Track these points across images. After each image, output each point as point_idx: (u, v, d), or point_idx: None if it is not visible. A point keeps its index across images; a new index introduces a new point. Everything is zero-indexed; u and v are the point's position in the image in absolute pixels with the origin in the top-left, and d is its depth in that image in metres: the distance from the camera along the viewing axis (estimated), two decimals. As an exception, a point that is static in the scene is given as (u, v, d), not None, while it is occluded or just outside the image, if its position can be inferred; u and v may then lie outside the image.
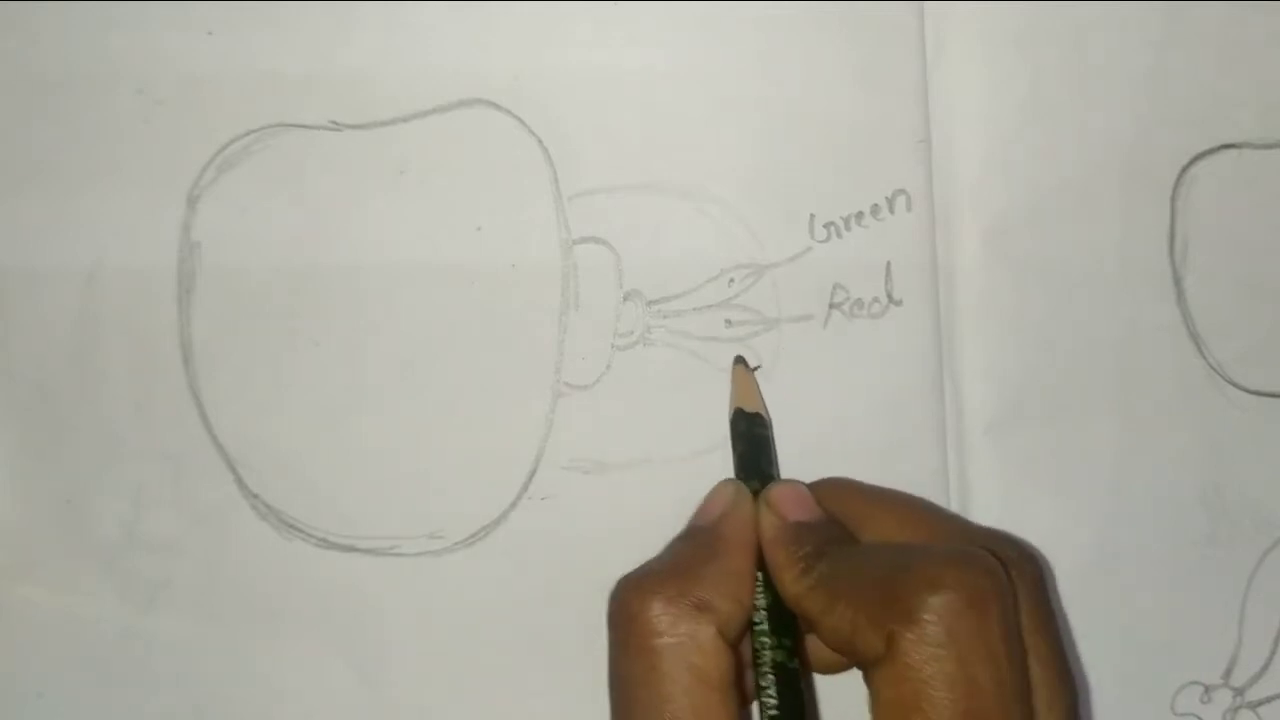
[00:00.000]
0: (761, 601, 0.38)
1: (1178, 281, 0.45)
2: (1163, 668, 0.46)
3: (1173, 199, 0.45)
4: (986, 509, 0.44)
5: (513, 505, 0.43)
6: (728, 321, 0.44)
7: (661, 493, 0.43)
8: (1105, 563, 0.45)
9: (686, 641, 0.36)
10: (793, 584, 0.37)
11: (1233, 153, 0.45)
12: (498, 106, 0.43)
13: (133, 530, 0.43)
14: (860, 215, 0.44)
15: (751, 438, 0.42)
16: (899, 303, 0.44)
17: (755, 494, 0.40)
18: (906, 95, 0.44)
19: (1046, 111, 0.44)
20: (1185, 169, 0.45)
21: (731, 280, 0.44)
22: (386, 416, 0.43)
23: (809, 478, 0.42)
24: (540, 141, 0.43)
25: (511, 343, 0.43)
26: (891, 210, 0.44)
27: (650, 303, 0.43)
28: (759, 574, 0.39)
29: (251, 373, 0.43)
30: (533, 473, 0.43)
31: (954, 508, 0.44)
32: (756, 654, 0.38)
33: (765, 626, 0.38)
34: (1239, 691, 0.46)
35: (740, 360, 0.43)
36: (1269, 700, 0.47)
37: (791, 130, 0.43)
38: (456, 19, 0.43)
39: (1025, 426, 0.44)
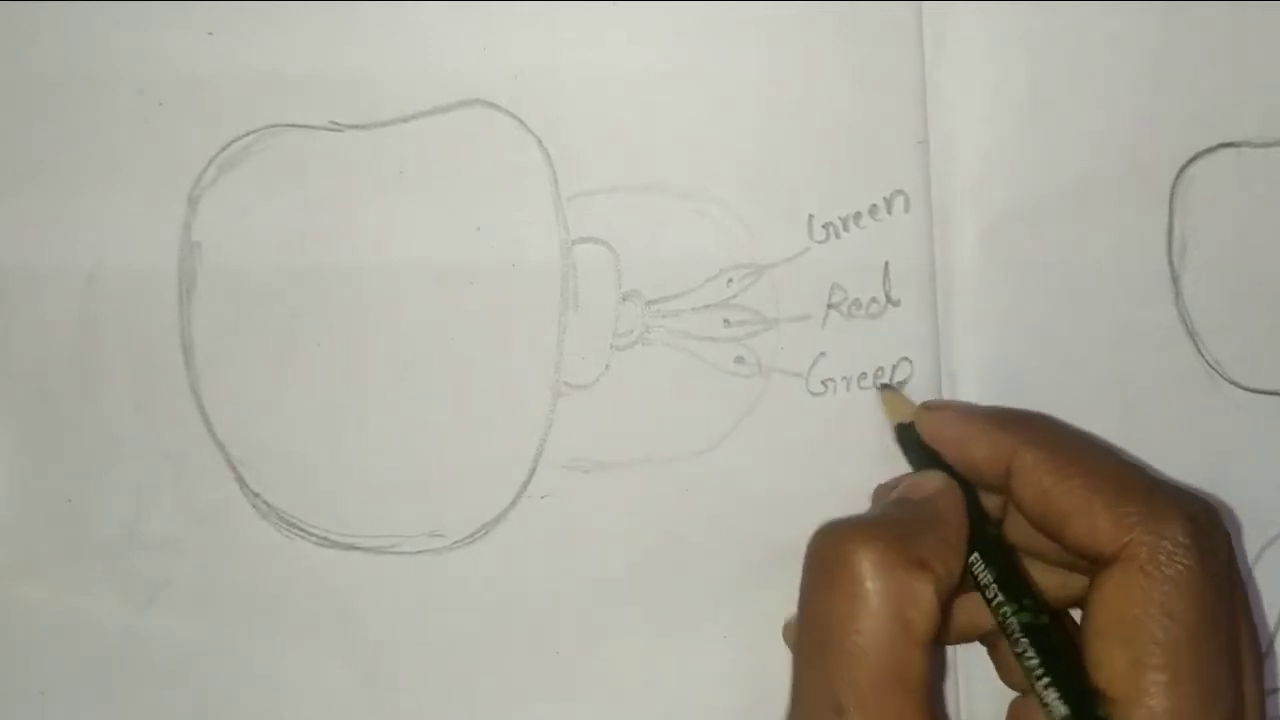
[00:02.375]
0: (988, 575, 0.39)
1: (1176, 280, 0.45)
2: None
3: (1171, 198, 0.45)
4: (985, 508, 0.44)
5: (513, 505, 0.43)
6: (726, 321, 0.44)
7: (661, 493, 0.43)
8: (1103, 561, 0.45)
9: (903, 593, 0.36)
10: (1050, 483, 0.38)
11: (1231, 152, 0.45)
12: (498, 106, 0.43)
13: (133, 529, 0.43)
14: (859, 215, 0.44)
15: (924, 445, 0.42)
16: (897, 303, 0.44)
17: None
18: (905, 95, 0.44)
19: (1045, 111, 0.44)
20: (1184, 168, 0.45)
21: (730, 280, 0.44)
22: (387, 416, 0.43)
23: (809, 478, 0.42)
24: (540, 141, 0.43)
25: (511, 343, 0.43)
26: (890, 211, 0.44)
27: (649, 303, 0.43)
28: (977, 552, 0.39)
29: (252, 372, 0.43)
30: (533, 472, 0.43)
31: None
32: (1003, 625, 0.38)
33: (997, 595, 0.38)
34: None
35: (886, 386, 0.44)
36: (1267, 694, 0.47)
37: (791, 130, 0.43)
38: (456, 19, 0.43)
39: (1023, 427, 0.44)
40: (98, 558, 0.43)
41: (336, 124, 0.43)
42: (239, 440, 0.43)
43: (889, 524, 0.38)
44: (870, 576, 0.36)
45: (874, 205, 0.44)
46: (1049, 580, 0.41)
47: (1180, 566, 0.35)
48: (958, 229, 0.44)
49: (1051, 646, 0.37)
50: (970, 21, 0.44)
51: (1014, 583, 0.38)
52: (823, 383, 0.44)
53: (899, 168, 0.44)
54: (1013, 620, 0.38)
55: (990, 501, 0.41)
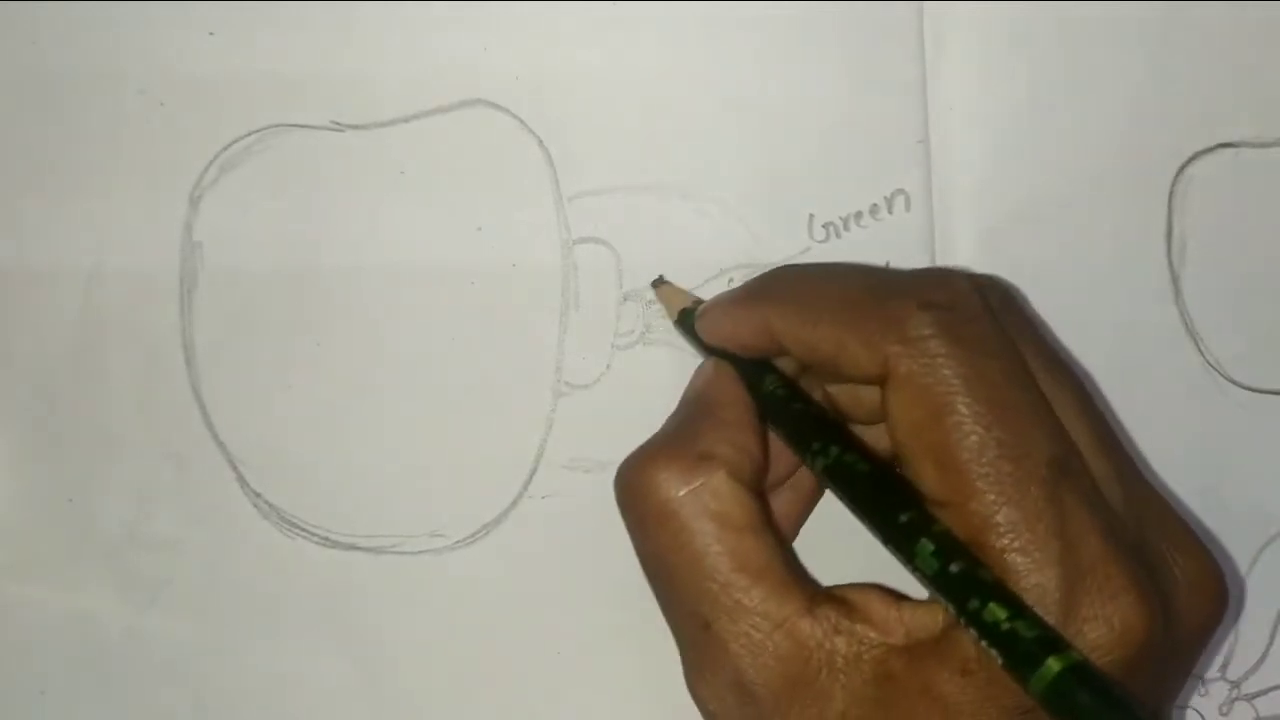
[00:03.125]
0: (781, 435, 0.39)
1: (1175, 280, 0.45)
2: (1160, 664, 0.46)
3: (1170, 198, 0.45)
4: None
5: (513, 504, 0.43)
6: (727, 321, 0.44)
7: (662, 492, 0.43)
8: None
9: (701, 491, 0.36)
10: (799, 328, 0.37)
11: (1230, 152, 0.45)
12: (498, 106, 0.43)
13: (134, 529, 0.43)
14: (859, 215, 0.44)
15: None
16: (898, 303, 0.44)
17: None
18: (906, 95, 0.44)
19: (1045, 111, 0.44)
20: (1183, 168, 0.45)
21: (731, 280, 0.44)
22: (388, 416, 0.43)
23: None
24: (540, 141, 0.43)
25: (511, 343, 0.43)
26: (890, 210, 0.44)
27: (650, 302, 0.44)
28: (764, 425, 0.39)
29: (253, 372, 0.43)
30: (533, 472, 0.43)
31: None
32: (813, 468, 0.38)
33: (804, 442, 0.38)
34: (1235, 684, 0.47)
35: (657, 282, 0.43)
36: (1265, 692, 0.47)
37: (791, 130, 0.43)
38: (456, 19, 0.43)
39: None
40: (98, 558, 0.43)
41: (337, 124, 0.43)
42: (240, 440, 0.43)
43: (667, 436, 0.38)
44: (667, 494, 0.36)
45: (875, 205, 0.44)
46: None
47: (937, 357, 0.34)
48: (958, 229, 0.44)
49: (848, 479, 0.36)
50: (970, 21, 0.44)
51: (803, 432, 0.38)
52: (823, 382, 0.44)
53: (899, 167, 0.44)
54: (814, 468, 0.37)
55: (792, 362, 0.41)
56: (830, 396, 0.40)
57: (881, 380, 0.35)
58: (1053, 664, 0.32)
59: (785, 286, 0.39)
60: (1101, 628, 0.33)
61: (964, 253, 0.44)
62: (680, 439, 0.38)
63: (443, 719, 0.44)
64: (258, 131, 0.43)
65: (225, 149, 0.43)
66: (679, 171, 0.43)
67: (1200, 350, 0.46)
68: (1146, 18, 0.45)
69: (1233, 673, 0.46)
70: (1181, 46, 0.45)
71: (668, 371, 0.43)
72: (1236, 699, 0.47)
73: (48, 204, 0.42)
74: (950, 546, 0.34)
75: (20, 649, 0.43)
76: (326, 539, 0.43)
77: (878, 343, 0.35)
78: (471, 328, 0.43)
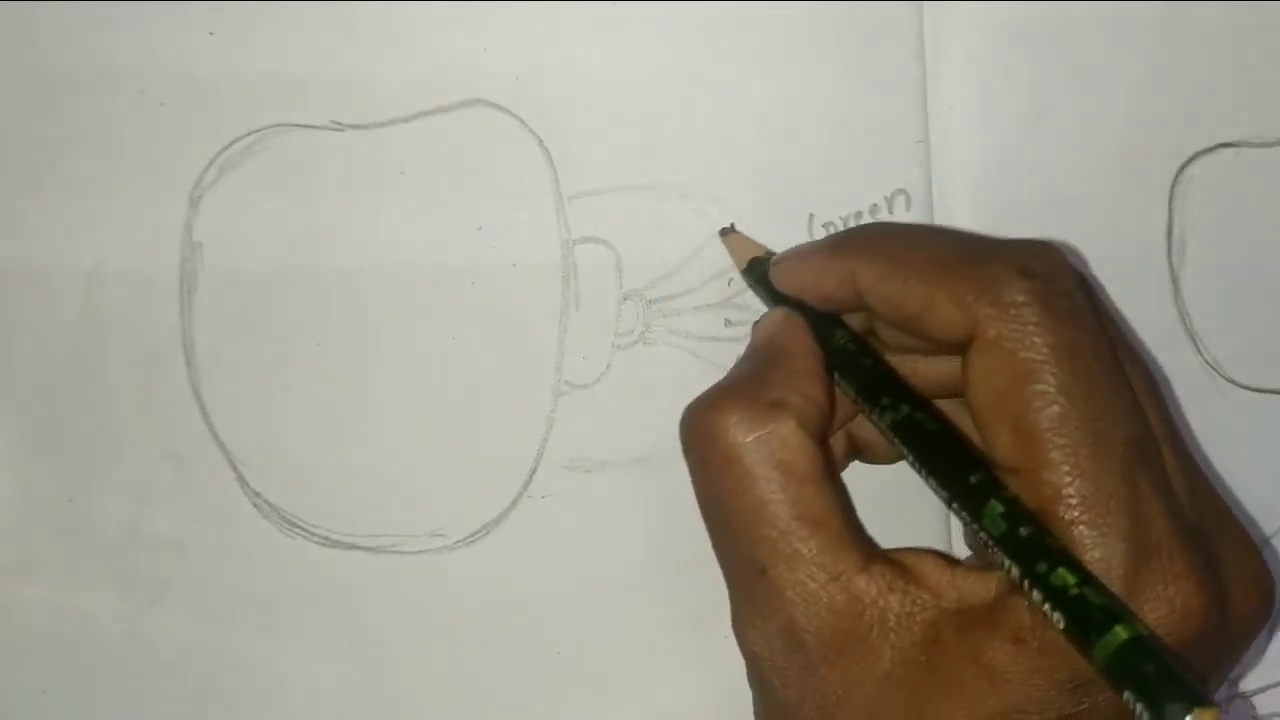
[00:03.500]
0: (850, 388, 0.39)
1: (1175, 280, 0.46)
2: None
3: (1170, 198, 0.45)
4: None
5: (513, 504, 0.43)
6: (728, 321, 0.44)
7: (661, 493, 0.43)
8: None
9: (769, 439, 0.36)
10: (888, 282, 0.37)
11: (1230, 151, 0.46)
12: (498, 106, 0.43)
13: (134, 529, 0.43)
14: (860, 215, 0.44)
15: (764, 276, 0.42)
16: (898, 303, 0.44)
17: None
18: (906, 95, 0.44)
19: (1045, 111, 0.44)
20: (1183, 168, 0.45)
21: (731, 280, 0.44)
22: (387, 416, 0.43)
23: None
24: (540, 141, 0.43)
25: (511, 343, 0.43)
26: (891, 210, 0.44)
27: (650, 302, 0.44)
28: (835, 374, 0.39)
29: (253, 372, 0.43)
30: (533, 472, 0.43)
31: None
32: (883, 431, 0.38)
33: (863, 404, 0.38)
34: (1233, 682, 0.47)
35: (726, 231, 0.43)
36: (1263, 690, 0.47)
37: (791, 130, 0.44)
38: (456, 19, 0.43)
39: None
40: (98, 558, 0.43)
41: (337, 124, 0.43)
42: (240, 440, 0.43)
43: (737, 381, 0.39)
44: (734, 439, 0.36)
45: (875, 204, 0.44)
46: (940, 372, 0.40)
47: (1030, 325, 0.34)
48: (959, 228, 0.44)
49: (919, 436, 0.37)
50: (970, 21, 0.44)
51: (873, 387, 0.38)
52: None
53: (900, 167, 0.44)
54: (882, 422, 0.38)
55: (860, 321, 0.41)
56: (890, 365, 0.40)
57: (964, 342, 0.36)
58: (1120, 632, 0.31)
59: (875, 240, 0.39)
60: (1163, 608, 0.33)
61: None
62: (751, 385, 0.38)
63: (442, 719, 0.44)
64: (258, 131, 0.42)
65: (225, 149, 0.42)
66: (679, 171, 0.43)
67: (1199, 350, 0.46)
68: (1146, 18, 0.45)
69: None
70: (1181, 46, 0.45)
71: (668, 371, 0.44)
72: (1234, 696, 0.47)
73: (48, 204, 0.42)
74: (1019, 510, 0.34)
75: (20, 649, 0.43)
76: (326, 539, 0.43)
77: (970, 303, 0.35)
78: (471, 328, 0.43)
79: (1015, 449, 0.35)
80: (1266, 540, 0.47)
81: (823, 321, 0.40)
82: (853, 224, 0.44)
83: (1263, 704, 0.47)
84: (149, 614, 0.43)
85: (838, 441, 0.42)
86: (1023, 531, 0.34)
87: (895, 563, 0.36)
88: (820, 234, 0.44)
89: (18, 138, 0.42)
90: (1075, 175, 0.45)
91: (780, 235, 0.43)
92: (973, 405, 0.36)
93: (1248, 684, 0.47)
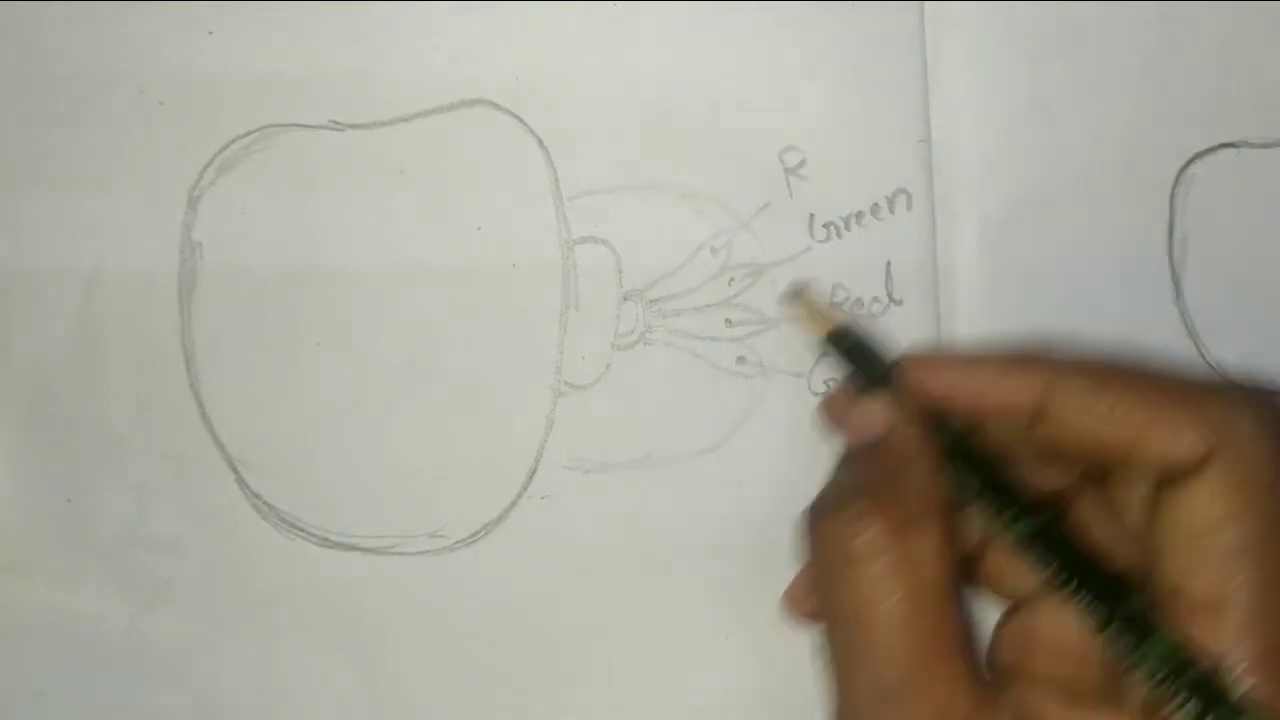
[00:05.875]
0: (973, 489, 0.37)
1: (1176, 280, 0.45)
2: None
3: (1172, 198, 0.45)
4: (986, 508, 0.44)
5: (513, 505, 0.43)
6: (728, 321, 0.44)
7: (661, 493, 0.43)
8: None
9: (909, 561, 0.35)
10: (1092, 413, 0.36)
11: (1232, 152, 0.45)
12: (498, 106, 0.43)
13: (134, 529, 0.43)
14: (860, 215, 0.44)
15: (855, 349, 0.41)
16: (899, 302, 0.44)
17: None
18: (906, 95, 0.44)
19: (1046, 111, 0.44)
20: (1184, 168, 0.45)
21: (731, 280, 0.44)
22: (387, 416, 0.43)
23: (810, 478, 0.42)
24: (540, 141, 0.43)
25: (511, 343, 0.43)
26: (891, 210, 0.44)
27: (650, 302, 0.43)
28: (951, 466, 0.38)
29: (253, 372, 0.43)
30: (533, 472, 0.43)
31: (953, 507, 0.44)
32: (1004, 535, 0.37)
33: (995, 506, 0.37)
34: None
35: (797, 292, 0.43)
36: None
37: (791, 130, 0.43)
38: (456, 19, 0.43)
39: (1024, 426, 0.44)
40: (98, 558, 0.43)
41: (337, 124, 0.43)
42: (239, 440, 0.43)
43: (869, 491, 0.37)
44: (873, 557, 0.35)
45: (875, 204, 0.44)
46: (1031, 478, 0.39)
47: (1264, 464, 0.34)
48: (959, 228, 0.44)
49: (1066, 547, 0.36)
50: (970, 21, 0.44)
51: (1003, 490, 0.37)
52: (825, 383, 0.44)
53: (900, 167, 0.44)
54: (1017, 528, 0.36)
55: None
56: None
57: (1181, 470, 0.35)
58: None
59: (1069, 356, 0.38)
60: None
61: (965, 252, 0.44)
62: (884, 495, 0.36)
63: (442, 719, 0.44)
64: (257, 131, 0.43)
65: (224, 149, 0.43)
66: (679, 171, 0.43)
67: (1200, 351, 0.45)
68: (1147, 18, 0.45)
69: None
70: (1182, 46, 0.45)
71: (668, 372, 0.43)
72: None
73: (47, 204, 0.42)
74: (1183, 649, 0.34)
75: (20, 649, 0.43)
76: (325, 539, 0.43)
77: (1209, 430, 0.34)
78: (471, 328, 0.43)
79: (1213, 583, 0.34)
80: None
81: (935, 421, 0.39)
82: (853, 224, 0.44)
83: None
84: (148, 614, 0.43)
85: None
86: (1194, 672, 0.33)
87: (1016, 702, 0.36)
88: (820, 234, 0.44)
89: (18, 138, 0.42)
90: (1076, 175, 0.45)
91: (780, 235, 0.43)
92: (1176, 529, 0.35)
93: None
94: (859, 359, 0.41)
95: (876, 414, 0.39)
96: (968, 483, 0.38)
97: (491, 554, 0.43)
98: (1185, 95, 0.45)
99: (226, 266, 0.43)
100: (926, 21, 0.44)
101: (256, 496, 0.43)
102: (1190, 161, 0.45)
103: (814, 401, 0.44)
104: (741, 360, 0.44)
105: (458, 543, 0.43)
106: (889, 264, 0.44)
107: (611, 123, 0.43)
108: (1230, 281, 0.46)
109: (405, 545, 0.43)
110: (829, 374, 0.44)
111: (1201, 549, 0.34)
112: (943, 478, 0.37)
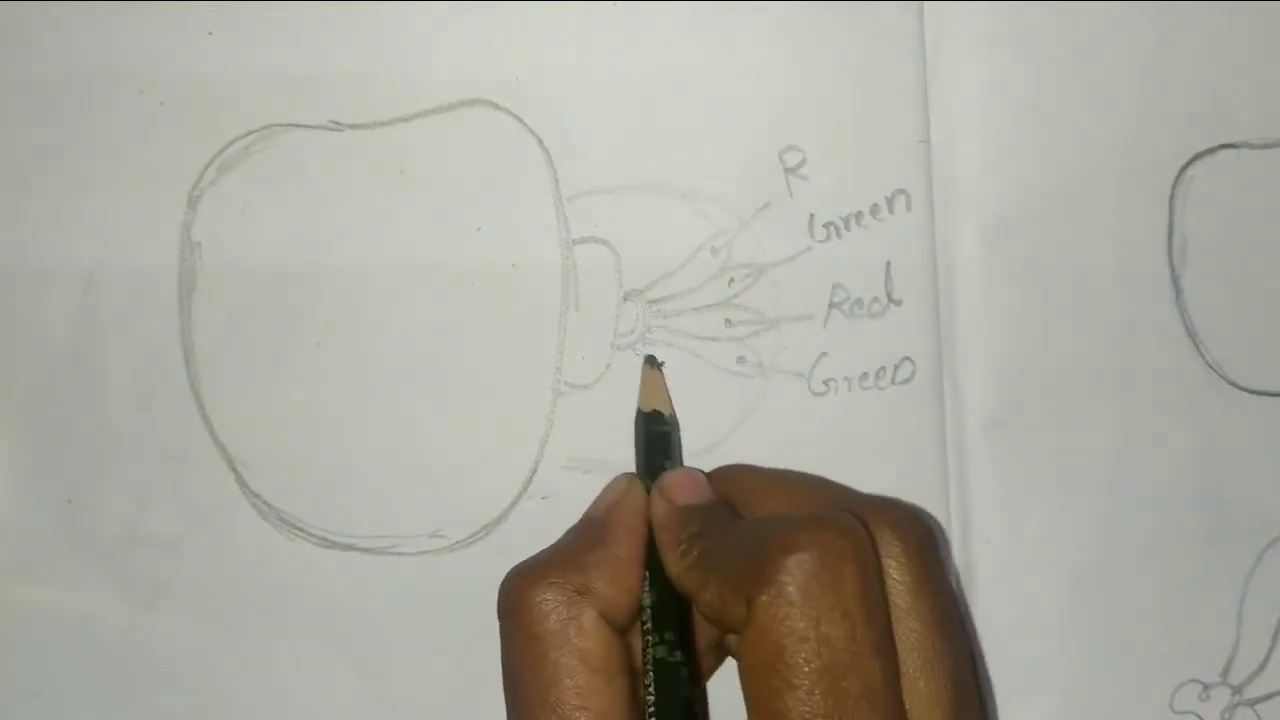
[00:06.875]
0: (646, 599, 0.38)
1: (1176, 281, 0.45)
2: (1161, 666, 0.46)
3: (1171, 198, 0.45)
4: (986, 509, 0.44)
5: (513, 505, 0.43)
6: (728, 321, 0.44)
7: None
8: (1103, 561, 0.45)
9: (570, 625, 0.37)
10: (675, 564, 0.38)
11: (1231, 152, 0.45)
12: (498, 106, 0.43)
13: (134, 529, 0.43)
14: (860, 215, 0.44)
15: (650, 435, 0.42)
16: (899, 302, 0.44)
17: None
18: (906, 95, 0.44)
19: (1046, 111, 0.44)
20: (1184, 168, 0.45)
21: (731, 280, 0.44)
22: (387, 416, 0.43)
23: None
24: (540, 141, 0.43)
25: (511, 343, 0.43)
26: (891, 210, 0.44)
27: (650, 303, 0.44)
28: (647, 571, 0.39)
29: (252, 372, 0.43)
30: (533, 473, 0.43)
31: (954, 508, 0.44)
32: (643, 651, 0.38)
33: (649, 623, 0.38)
34: (1237, 689, 0.46)
35: (648, 360, 0.43)
36: (1267, 698, 0.47)
37: (792, 130, 0.44)
38: (456, 19, 0.43)
39: (1025, 426, 0.44)
40: (98, 558, 0.43)
41: (336, 124, 0.43)
42: (239, 440, 0.43)
43: (559, 556, 0.39)
44: (540, 617, 0.37)
45: (875, 204, 0.44)
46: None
47: (795, 623, 0.34)
48: (959, 228, 0.44)
49: (672, 690, 0.37)
50: (970, 21, 0.44)
51: (670, 613, 0.38)
52: (824, 383, 0.44)
53: (900, 167, 0.44)
54: (648, 651, 0.38)
55: None
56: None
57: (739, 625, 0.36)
58: None
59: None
60: None
61: (965, 252, 0.44)
62: (567, 564, 0.38)
63: (442, 719, 0.44)
64: (257, 131, 0.43)
65: (224, 149, 0.43)
66: (679, 171, 0.43)
67: (1200, 351, 0.46)
68: (1146, 18, 0.45)
69: (1234, 678, 0.46)
70: (1181, 46, 0.45)
71: (667, 371, 0.43)
72: (1238, 704, 0.46)
73: (47, 204, 0.43)
74: None
75: (20, 649, 0.43)
76: (325, 539, 0.43)
77: (743, 597, 0.35)
78: (471, 328, 0.43)
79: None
80: (1268, 545, 0.47)
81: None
82: (853, 224, 0.44)
83: (1267, 712, 0.47)
84: (148, 614, 0.43)
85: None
86: None
87: None
88: (820, 234, 0.44)
89: (18, 138, 0.43)
90: (1076, 175, 0.45)
91: (780, 235, 0.43)
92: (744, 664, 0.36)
93: (1251, 691, 0.47)
94: (652, 445, 0.42)
95: (617, 491, 0.40)
96: (649, 590, 0.38)
97: (491, 554, 0.43)
98: (1185, 95, 0.45)
99: (226, 266, 0.43)
100: (926, 21, 0.44)
101: (256, 496, 0.43)
102: (1190, 162, 0.45)
103: (814, 401, 0.44)
104: (741, 360, 0.44)
105: (458, 543, 0.43)
106: (889, 264, 0.44)
107: (611, 123, 0.43)
108: (1230, 281, 0.46)
109: (405, 545, 0.43)
110: (829, 374, 0.44)
111: (749, 689, 0.35)
112: (640, 557, 0.39)
